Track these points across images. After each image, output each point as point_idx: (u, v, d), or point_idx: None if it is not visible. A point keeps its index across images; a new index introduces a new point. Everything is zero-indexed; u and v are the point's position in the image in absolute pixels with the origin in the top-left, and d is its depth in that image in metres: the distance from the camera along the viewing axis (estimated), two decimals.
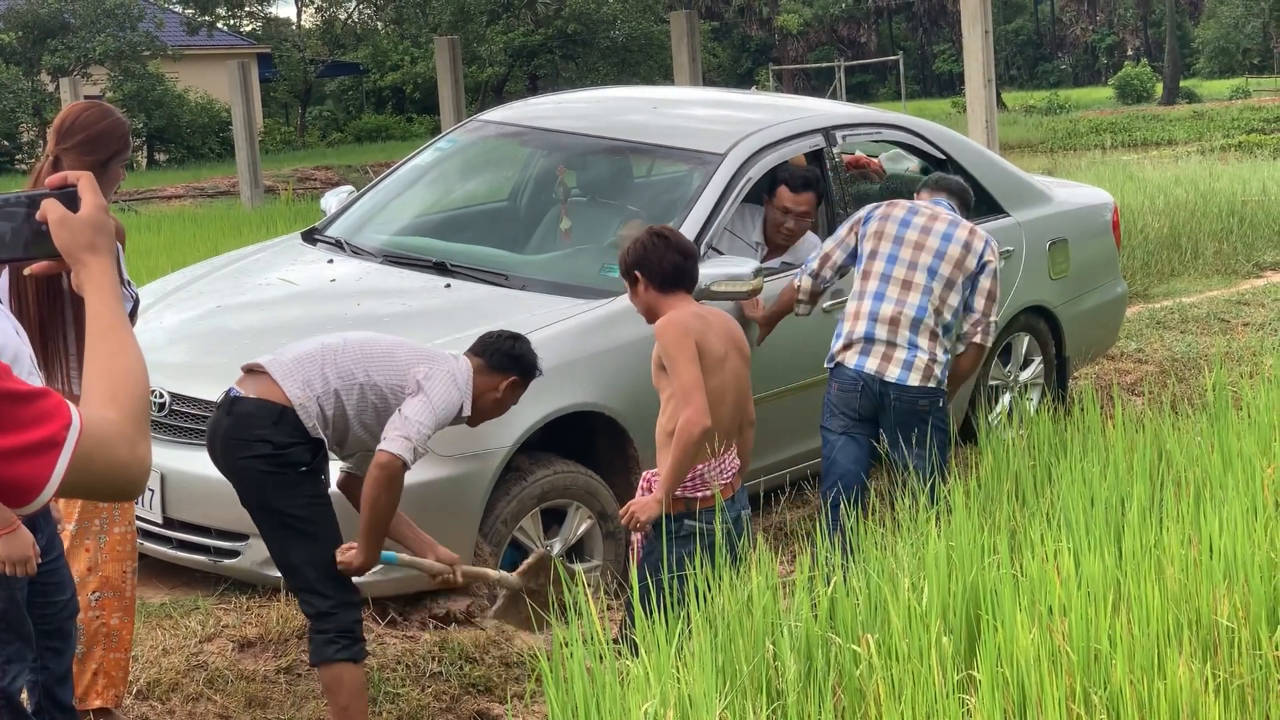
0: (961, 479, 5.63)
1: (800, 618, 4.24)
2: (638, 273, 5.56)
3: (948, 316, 6.55)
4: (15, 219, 2.43)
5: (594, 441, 6.73)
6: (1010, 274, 8.56)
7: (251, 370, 5.31)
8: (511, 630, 6.08)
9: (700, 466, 5.31)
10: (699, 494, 5.34)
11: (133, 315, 4.99)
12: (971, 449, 7.00)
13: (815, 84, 55.24)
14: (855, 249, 6.70)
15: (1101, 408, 6.66)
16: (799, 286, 6.90)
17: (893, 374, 6.43)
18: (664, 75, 45.22)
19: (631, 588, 5.13)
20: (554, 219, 7.99)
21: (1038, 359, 8.90)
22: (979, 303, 6.65)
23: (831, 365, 6.64)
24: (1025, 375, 8.84)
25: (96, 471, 2.22)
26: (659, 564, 5.14)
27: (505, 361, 5.51)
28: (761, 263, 7.32)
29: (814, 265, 6.85)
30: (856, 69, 65.05)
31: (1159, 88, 57.33)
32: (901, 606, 4.13)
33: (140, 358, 2.38)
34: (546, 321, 6.61)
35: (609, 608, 6.05)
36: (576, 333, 6.63)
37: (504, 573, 5.76)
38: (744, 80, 67.24)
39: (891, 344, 6.46)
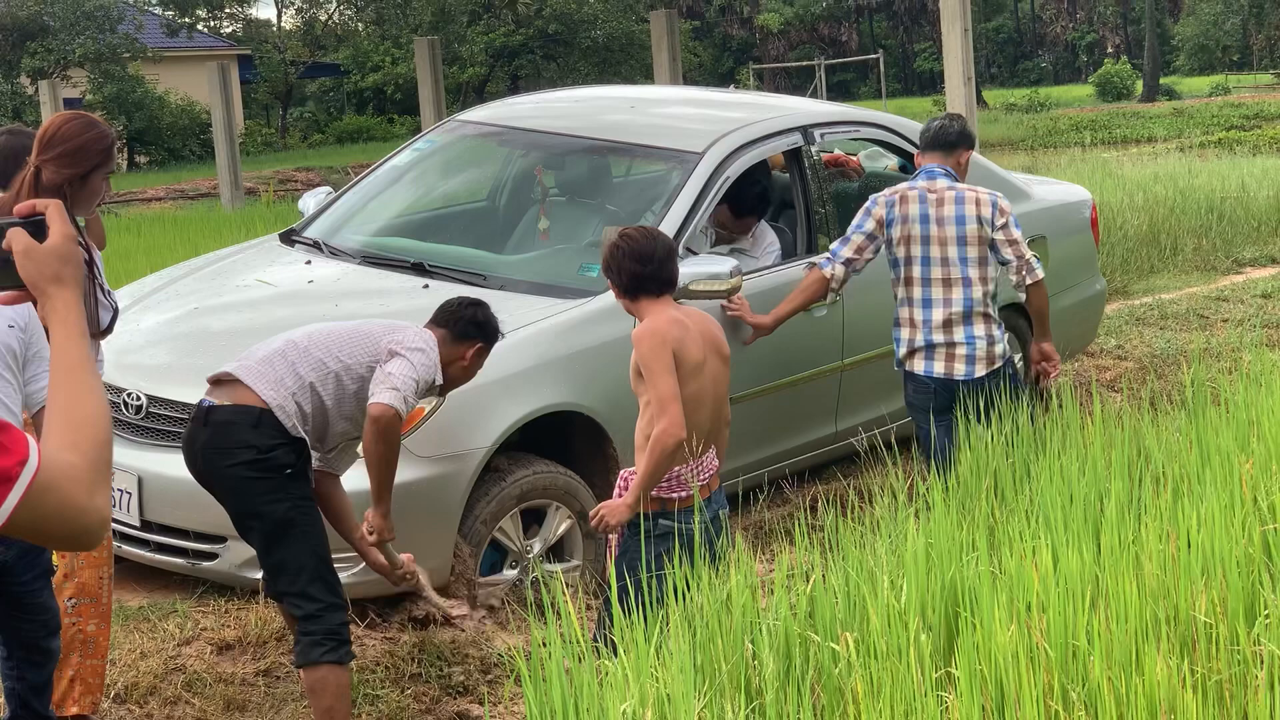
0: (940, 477, 5.63)
1: (779, 616, 4.23)
2: (609, 278, 5.58)
3: (992, 287, 6.98)
4: None
5: (573, 441, 6.72)
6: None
7: (220, 380, 5.29)
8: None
9: (679, 468, 5.30)
10: (675, 494, 5.33)
11: (111, 325, 4.96)
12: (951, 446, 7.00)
13: (796, 83, 55.27)
14: (886, 241, 7.02)
15: (1080, 404, 6.66)
16: (833, 275, 7.11)
17: (959, 372, 6.88)
18: (645, 75, 45.24)
19: (610, 587, 5.12)
20: (532, 219, 7.98)
21: (1018, 356, 8.89)
22: (1008, 254, 6.95)
23: (902, 369, 7.04)
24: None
25: (48, 512, 2.15)
26: (636, 563, 5.13)
27: (469, 329, 5.59)
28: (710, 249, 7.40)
29: (847, 254, 7.07)
30: (837, 68, 65.07)
31: (1139, 85, 57.48)
32: (880, 604, 4.13)
33: (103, 402, 2.30)
34: (525, 321, 6.60)
35: (588, 607, 6.04)
36: (555, 332, 6.62)
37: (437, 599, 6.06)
38: (725, 79, 67.25)
39: (951, 344, 6.89)
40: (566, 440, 6.70)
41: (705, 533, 5.23)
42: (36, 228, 2.35)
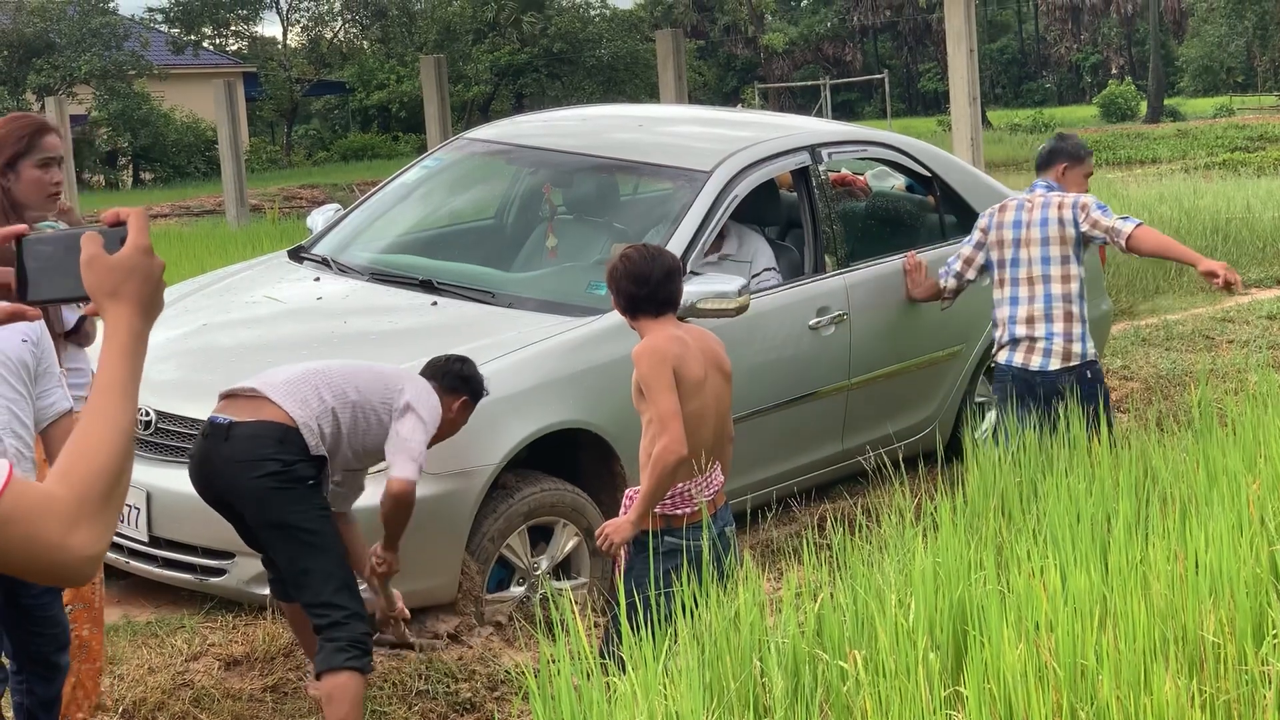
0: (948, 495, 5.63)
1: (787, 634, 4.24)
2: (612, 295, 5.54)
3: (1075, 285, 7.42)
4: (44, 257, 2.24)
5: (580, 459, 6.73)
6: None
7: (234, 395, 5.33)
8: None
9: (683, 484, 5.29)
10: (681, 510, 5.33)
11: (80, 327, 5.04)
12: (958, 465, 7.00)
13: (801, 102, 55.35)
14: (987, 255, 7.63)
15: (1088, 424, 6.66)
16: (945, 288, 7.89)
17: (1035, 363, 7.38)
18: (650, 93, 45.30)
19: (618, 604, 5.13)
20: (540, 237, 8.00)
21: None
22: (1097, 233, 7.40)
23: (994, 363, 7.69)
24: None
25: (9, 545, 1.99)
26: (644, 580, 5.13)
27: (456, 383, 5.74)
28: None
29: (957, 268, 7.78)
30: (842, 87, 65.19)
31: (1143, 106, 57.52)
32: (889, 622, 4.13)
33: (120, 432, 2.14)
34: (533, 339, 6.62)
35: (595, 625, 6.04)
36: (562, 350, 6.63)
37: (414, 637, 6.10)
38: (730, 99, 67.37)
39: (1032, 339, 7.39)
40: (574, 458, 6.71)
41: (712, 548, 5.23)
42: (113, 238, 2.23)
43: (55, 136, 5.14)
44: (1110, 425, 6.74)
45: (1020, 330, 7.40)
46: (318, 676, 5.20)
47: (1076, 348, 7.34)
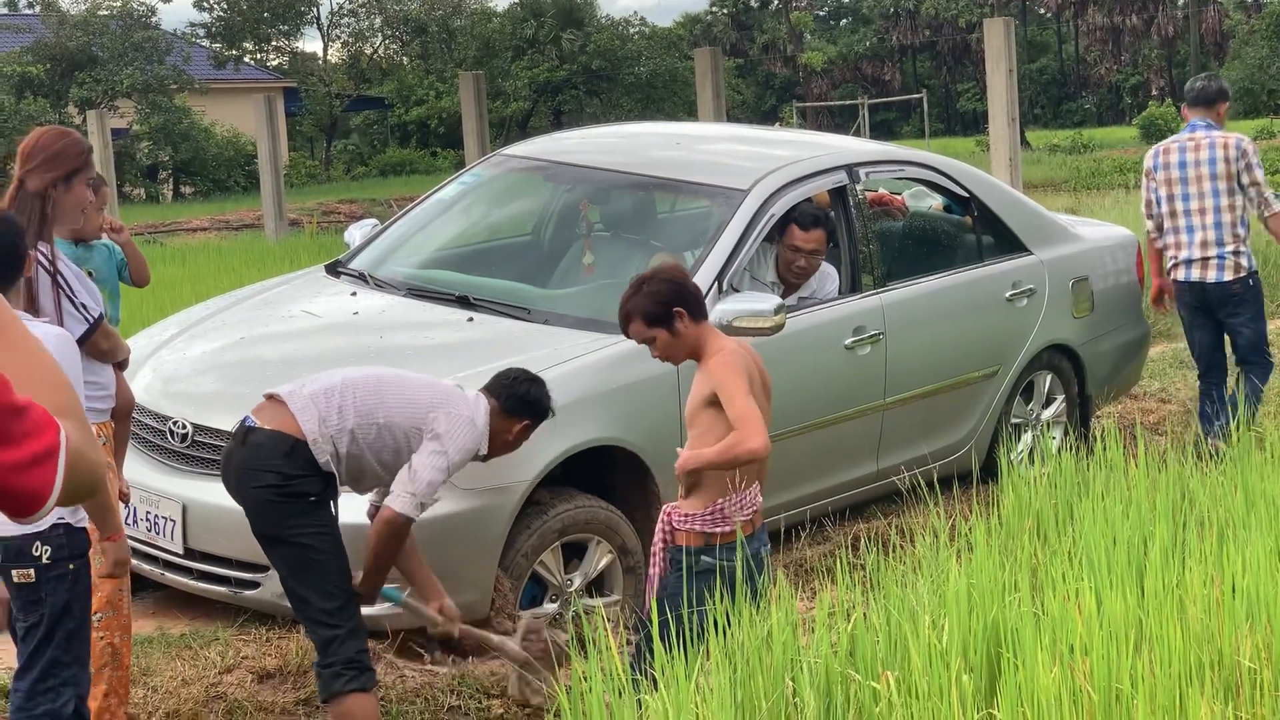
0: (983, 517, 5.61)
1: (820, 654, 4.22)
2: (680, 309, 5.33)
3: (1239, 211, 8.78)
4: None
5: (615, 476, 6.73)
6: (1032, 312, 8.56)
7: (272, 397, 5.35)
8: (533, 691, 5.95)
9: (720, 501, 5.25)
10: (719, 529, 5.29)
11: (87, 337, 5.02)
12: (993, 486, 6.98)
13: (839, 121, 55.34)
14: (1156, 192, 8.92)
15: (1124, 447, 6.63)
16: (1149, 230, 9.07)
17: (1211, 277, 8.79)
18: (688, 111, 45.33)
19: (651, 621, 5.11)
20: (577, 253, 8.00)
21: (1060, 397, 8.88)
22: (1250, 190, 8.72)
23: (1170, 279, 9.01)
24: (1048, 414, 8.82)
25: (80, 475, 2.26)
26: (677, 598, 5.11)
27: (519, 407, 5.57)
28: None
29: (1145, 210, 9.09)
30: (880, 107, 65.12)
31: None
32: (922, 644, 4.11)
33: (51, 361, 2.39)
34: (568, 356, 6.62)
35: (628, 642, 6.03)
36: (598, 368, 6.63)
37: (505, 639, 5.75)
38: (768, 117, 67.37)
39: (1205, 259, 8.77)
40: (609, 475, 6.71)
41: (746, 568, 5.20)
42: None
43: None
44: (1264, 327, 8.94)
45: (1197, 253, 8.78)
46: (323, 703, 5.20)
47: (1244, 261, 8.79)
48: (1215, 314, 8.87)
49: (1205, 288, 8.81)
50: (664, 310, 5.33)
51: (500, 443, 5.56)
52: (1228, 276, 8.79)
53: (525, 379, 5.64)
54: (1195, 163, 8.78)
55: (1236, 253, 8.79)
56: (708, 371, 5.24)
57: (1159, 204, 8.93)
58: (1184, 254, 8.86)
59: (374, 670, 5.23)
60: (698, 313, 5.35)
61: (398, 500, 5.22)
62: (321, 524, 5.22)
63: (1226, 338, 9.03)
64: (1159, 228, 9.03)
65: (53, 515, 4.25)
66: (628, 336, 5.50)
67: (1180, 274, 8.90)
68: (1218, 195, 8.74)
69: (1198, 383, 9.33)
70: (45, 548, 4.36)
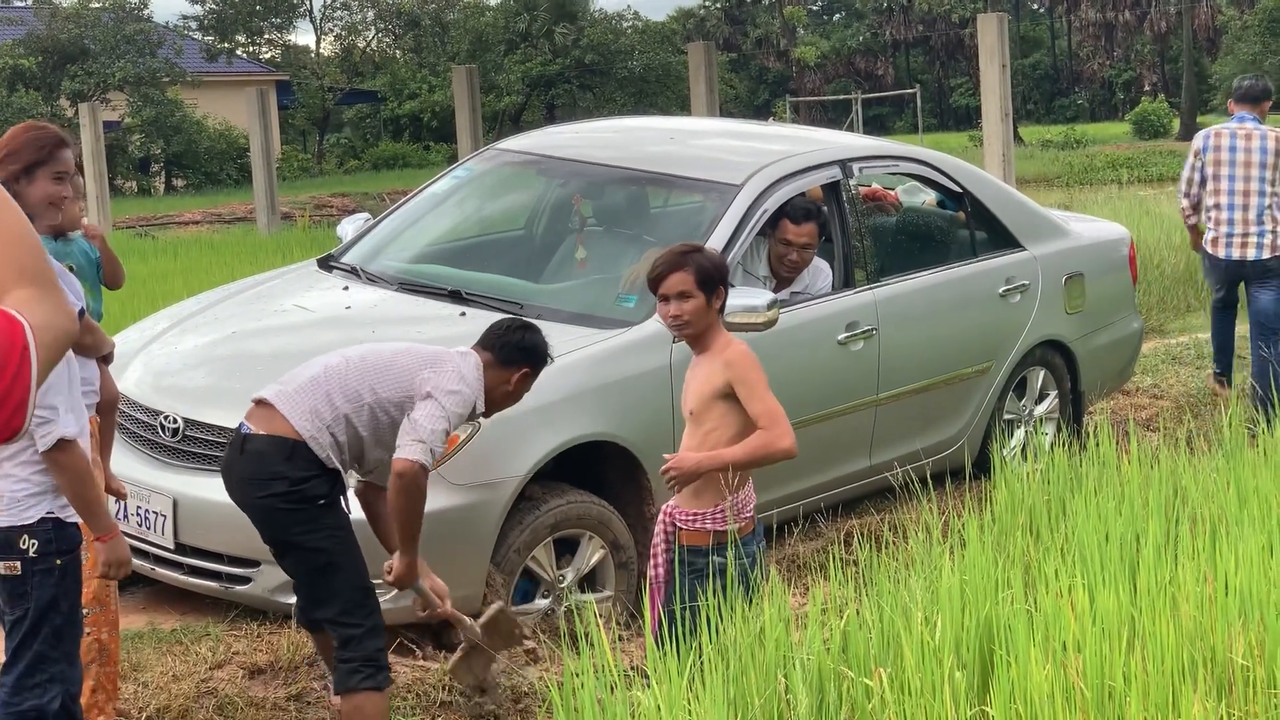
0: (976, 513, 5.60)
1: (812, 651, 4.22)
2: (724, 289, 5.26)
3: (1275, 198, 9.81)
4: None
5: (607, 471, 6.72)
6: (1025, 308, 8.56)
7: (260, 402, 5.29)
8: (497, 673, 5.99)
9: (721, 504, 5.18)
10: (732, 525, 5.20)
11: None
12: (986, 482, 6.98)
13: (832, 116, 55.32)
14: (1202, 171, 10.03)
15: (1117, 443, 6.63)
16: (1184, 208, 10.28)
17: (1250, 255, 9.90)
18: (681, 106, 45.33)
19: (672, 613, 4.99)
20: (569, 248, 7.98)
21: (1053, 393, 8.88)
22: None
23: (1203, 251, 10.19)
24: (1040, 409, 8.82)
25: (60, 350, 2.38)
26: (697, 604, 4.98)
27: (516, 355, 5.49)
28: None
29: (1183, 189, 10.22)
30: (873, 101, 65.13)
31: (1176, 123, 57.31)
32: (914, 640, 4.10)
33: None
34: (561, 351, 6.59)
35: (620, 638, 6.02)
36: (590, 362, 6.62)
37: (472, 622, 5.73)
38: (761, 111, 67.38)
39: (1245, 235, 9.89)
40: (601, 470, 6.70)
41: (741, 570, 5.15)
42: None
43: (70, 152, 5.16)
44: None
45: (1238, 230, 9.87)
46: (335, 696, 5.19)
47: (1278, 241, 9.85)
48: (1247, 287, 10.03)
49: (1245, 265, 9.89)
50: (718, 278, 5.24)
51: (500, 394, 5.48)
52: (1265, 255, 9.88)
53: (519, 326, 5.58)
54: (1246, 149, 9.86)
55: (1274, 232, 9.86)
56: (727, 363, 5.14)
57: (1201, 183, 10.02)
58: (1224, 230, 9.91)
59: (389, 670, 5.20)
60: (724, 305, 5.32)
61: (406, 449, 5.10)
62: (334, 526, 5.16)
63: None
64: (1194, 206, 10.12)
65: (41, 508, 4.25)
66: (661, 281, 5.22)
67: (1221, 251, 9.95)
68: (1263, 181, 9.81)
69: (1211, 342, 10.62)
70: (32, 541, 4.29)
